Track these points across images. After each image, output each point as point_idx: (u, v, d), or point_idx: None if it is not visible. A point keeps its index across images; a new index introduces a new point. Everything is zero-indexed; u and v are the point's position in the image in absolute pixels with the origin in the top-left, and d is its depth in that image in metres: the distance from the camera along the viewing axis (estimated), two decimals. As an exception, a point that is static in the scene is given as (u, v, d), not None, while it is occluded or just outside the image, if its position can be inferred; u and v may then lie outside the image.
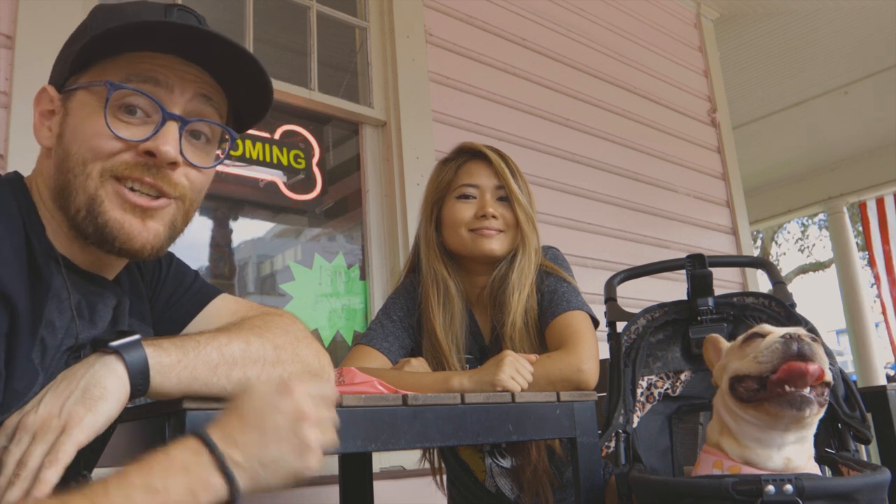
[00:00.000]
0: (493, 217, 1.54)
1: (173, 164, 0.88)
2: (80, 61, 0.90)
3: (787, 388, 1.06)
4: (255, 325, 0.92)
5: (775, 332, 1.13)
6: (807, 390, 1.06)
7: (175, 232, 0.93)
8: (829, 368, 1.11)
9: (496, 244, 1.54)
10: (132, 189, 0.87)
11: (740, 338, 1.20)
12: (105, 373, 0.74)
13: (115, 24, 0.86)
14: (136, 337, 0.78)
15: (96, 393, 0.73)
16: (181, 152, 0.89)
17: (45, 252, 0.86)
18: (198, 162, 0.92)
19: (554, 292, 1.55)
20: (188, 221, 0.96)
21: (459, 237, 1.56)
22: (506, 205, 1.57)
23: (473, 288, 1.61)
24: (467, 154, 1.63)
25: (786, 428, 1.08)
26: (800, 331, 1.14)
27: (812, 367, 1.06)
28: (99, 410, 0.72)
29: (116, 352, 0.75)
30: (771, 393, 1.07)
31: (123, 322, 0.99)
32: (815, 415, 1.08)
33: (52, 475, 0.69)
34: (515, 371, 1.29)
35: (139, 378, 0.75)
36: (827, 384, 1.09)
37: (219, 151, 0.98)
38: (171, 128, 0.88)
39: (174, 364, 0.78)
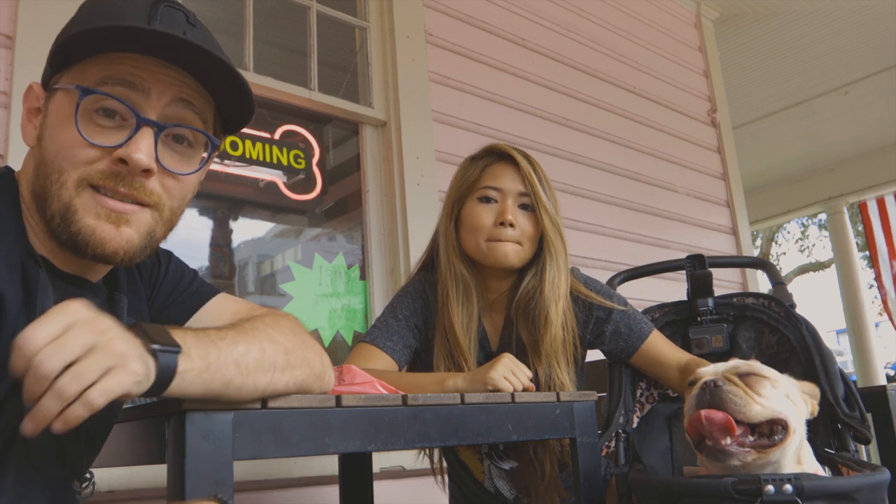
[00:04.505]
0: (511, 225, 1.49)
1: (147, 172, 0.86)
2: (58, 61, 0.89)
3: (707, 442, 1.06)
4: (268, 324, 0.92)
5: (704, 377, 1.11)
6: (727, 441, 1.04)
7: (153, 241, 0.91)
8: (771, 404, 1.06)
9: (511, 255, 1.50)
10: (107, 195, 0.86)
11: (689, 380, 1.19)
12: (139, 367, 0.71)
13: (85, 28, 0.84)
14: (177, 348, 0.75)
15: (140, 370, 0.70)
16: (157, 159, 0.87)
17: (26, 251, 0.86)
18: (177, 168, 0.91)
19: (617, 329, 1.55)
20: (171, 228, 0.95)
21: (476, 243, 1.52)
22: (527, 213, 1.52)
23: (487, 291, 1.58)
24: (495, 155, 1.58)
25: (737, 470, 1.07)
26: (734, 370, 1.10)
27: (709, 422, 1.03)
28: (139, 386, 0.70)
29: (155, 354, 0.73)
30: (700, 445, 1.08)
31: (121, 321, 0.99)
32: (757, 459, 1.05)
33: (84, 413, 0.66)
34: (510, 372, 1.28)
35: (159, 388, 0.74)
36: (778, 422, 1.06)
37: (205, 154, 0.95)
38: (145, 134, 0.86)
39: (194, 378, 0.76)
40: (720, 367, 1.15)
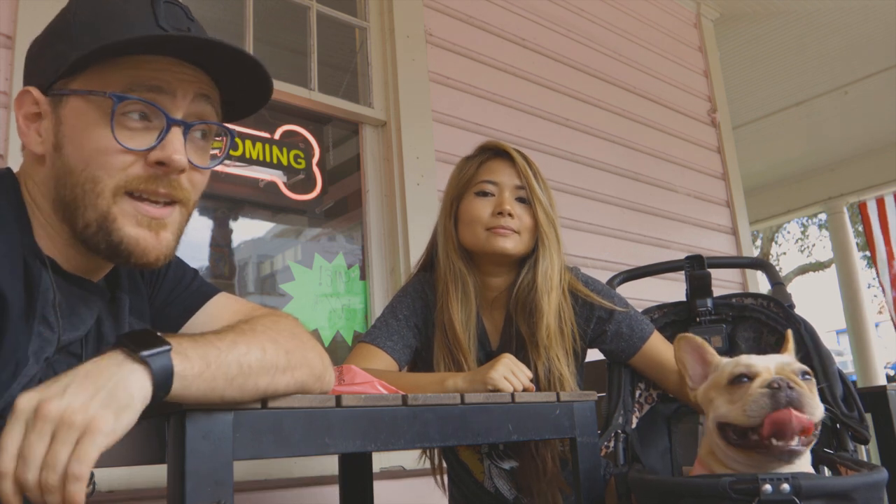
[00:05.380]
0: (510, 215, 1.52)
1: (182, 171, 0.89)
2: (65, 66, 0.87)
3: (774, 441, 1.04)
4: (268, 326, 0.92)
5: (762, 374, 1.10)
6: (794, 442, 1.04)
7: (180, 235, 0.95)
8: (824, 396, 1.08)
9: (509, 244, 1.51)
10: (142, 199, 0.87)
11: (727, 372, 1.16)
12: (133, 380, 0.72)
13: (113, 41, 0.84)
14: (167, 347, 0.75)
15: (124, 400, 0.70)
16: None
17: (31, 251, 0.87)
18: (199, 162, 0.93)
19: (619, 329, 1.55)
20: (188, 221, 0.97)
21: (475, 234, 1.54)
22: (524, 206, 1.55)
23: (486, 289, 1.59)
24: (490, 151, 1.61)
25: (780, 466, 1.07)
26: (789, 368, 1.10)
27: (798, 422, 1.03)
28: (123, 419, 0.70)
29: (145, 361, 0.73)
30: (759, 443, 1.06)
31: (123, 321, 1.00)
32: (803, 457, 1.07)
33: (80, 488, 0.67)
34: (510, 372, 1.29)
35: (161, 391, 0.74)
36: (821, 421, 1.07)
37: (216, 151, 0.98)
38: (177, 134, 0.88)
39: (196, 376, 0.77)
40: (771, 361, 1.13)
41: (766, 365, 1.12)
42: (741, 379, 1.12)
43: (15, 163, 1.77)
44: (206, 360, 0.78)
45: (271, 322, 0.94)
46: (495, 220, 1.52)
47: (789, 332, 1.26)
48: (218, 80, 0.95)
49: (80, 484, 0.67)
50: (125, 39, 0.85)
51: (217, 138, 0.99)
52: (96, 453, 0.68)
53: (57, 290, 0.88)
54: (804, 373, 1.11)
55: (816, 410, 1.06)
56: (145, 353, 0.73)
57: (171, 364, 0.74)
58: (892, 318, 6.32)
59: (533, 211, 1.54)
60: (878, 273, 6.34)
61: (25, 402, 0.68)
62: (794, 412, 1.03)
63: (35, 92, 0.91)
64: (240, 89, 0.97)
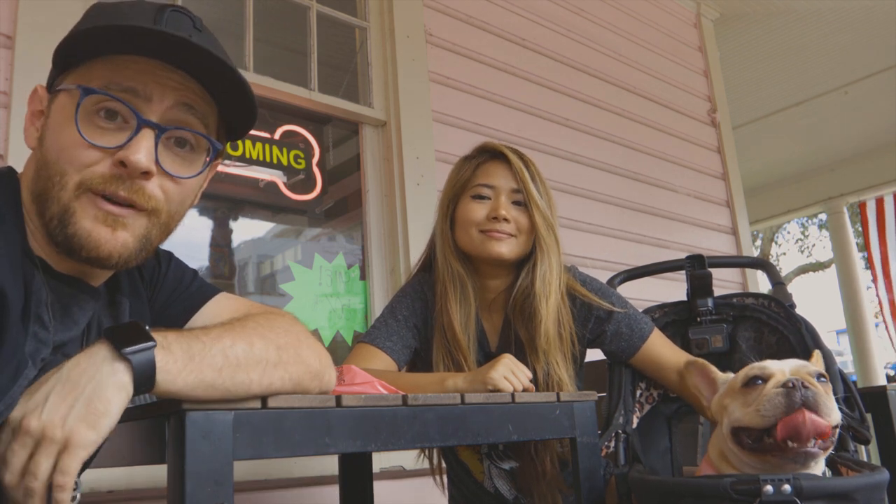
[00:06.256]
0: (505, 220, 1.50)
1: (146, 174, 0.86)
2: (61, 61, 0.89)
3: (789, 444, 1.03)
4: (260, 323, 0.91)
5: (776, 375, 1.09)
6: (810, 444, 1.03)
7: (148, 244, 0.91)
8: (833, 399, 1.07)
9: (505, 248, 1.51)
10: (105, 199, 0.86)
11: (740, 376, 1.16)
12: (110, 384, 0.73)
13: (90, 25, 0.85)
14: (152, 343, 0.76)
15: (100, 407, 0.72)
16: (157, 161, 0.87)
17: (23, 251, 0.86)
18: (178, 172, 0.90)
19: (618, 329, 1.55)
20: (168, 233, 0.95)
21: (470, 237, 1.53)
22: (521, 209, 1.53)
23: (485, 291, 1.59)
24: (487, 153, 1.60)
25: (795, 471, 1.06)
26: (805, 370, 1.10)
27: (813, 424, 1.02)
28: (101, 427, 0.72)
29: (127, 358, 0.74)
30: (774, 446, 1.05)
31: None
32: (819, 460, 1.06)
33: (65, 497, 0.70)
34: (510, 372, 1.28)
35: (143, 385, 0.75)
36: (837, 425, 1.07)
37: (207, 158, 0.95)
38: (146, 135, 0.86)
39: (180, 370, 0.77)
40: (786, 364, 1.12)
41: (781, 367, 1.12)
42: (755, 381, 1.11)
43: (14, 163, 1.76)
44: (190, 354, 0.79)
45: (265, 319, 0.93)
46: (490, 224, 1.51)
47: (817, 352, 1.26)
48: (213, 95, 0.93)
49: (64, 493, 0.70)
50: (93, 26, 0.84)
51: (210, 158, 0.95)
52: (77, 464, 0.71)
53: (49, 291, 0.87)
54: (819, 375, 1.10)
55: (832, 413, 1.05)
56: (128, 349, 0.74)
57: (154, 360, 0.75)
58: (887, 328, 6.31)
59: (529, 214, 1.53)
60: (875, 276, 6.34)
61: (16, 412, 0.73)
62: (809, 414, 1.02)
63: (41, 90, 0.93)
64: (234, 105, 0.94)
